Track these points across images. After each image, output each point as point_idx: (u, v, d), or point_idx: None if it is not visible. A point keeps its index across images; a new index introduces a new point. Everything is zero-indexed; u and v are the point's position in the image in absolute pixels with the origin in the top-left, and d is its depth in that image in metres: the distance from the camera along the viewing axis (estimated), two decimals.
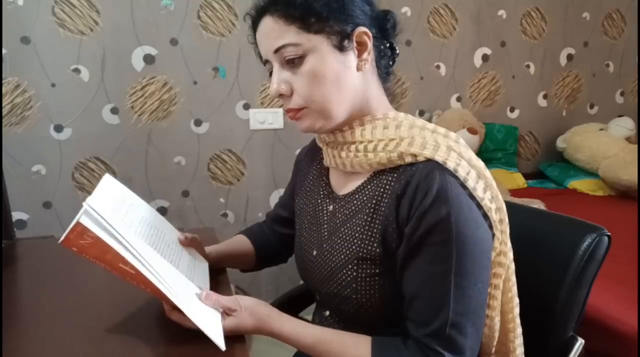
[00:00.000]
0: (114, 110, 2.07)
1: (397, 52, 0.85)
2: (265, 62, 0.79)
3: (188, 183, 2.21)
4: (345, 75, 0.75)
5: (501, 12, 2.59)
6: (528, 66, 2.70)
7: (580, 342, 0.88)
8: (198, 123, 2.18)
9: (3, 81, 1.92)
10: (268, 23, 0.75)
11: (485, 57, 2.61)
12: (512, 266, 0.79)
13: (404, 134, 0.75)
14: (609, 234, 0.86)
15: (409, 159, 0.73)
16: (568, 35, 2.74)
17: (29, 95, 1.97)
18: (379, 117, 0.78)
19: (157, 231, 0.85)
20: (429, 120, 2.51)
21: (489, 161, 2.57)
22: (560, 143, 2.67)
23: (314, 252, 0.86)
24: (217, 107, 2.18)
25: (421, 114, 2.55)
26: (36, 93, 1.97)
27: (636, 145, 2.47)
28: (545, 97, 2.78)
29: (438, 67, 2.53)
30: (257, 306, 0.77)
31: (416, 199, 0.70)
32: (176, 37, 2.09)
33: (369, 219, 0.77)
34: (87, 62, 2.01)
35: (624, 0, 2.80)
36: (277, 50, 0.74)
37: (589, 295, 0.88)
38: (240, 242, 1.07)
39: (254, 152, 2.26)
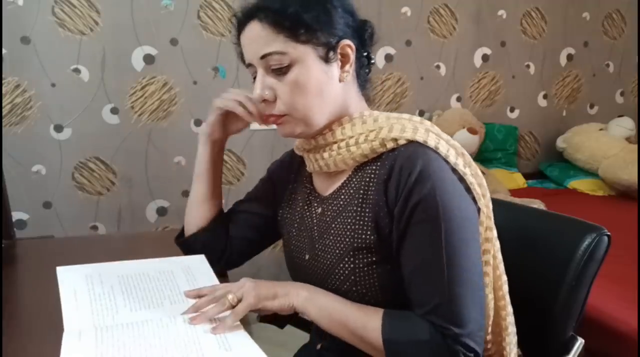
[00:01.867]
0: (114, 110, 2.07)
1: (373, 61, 0.87)
2: (249, 65, 0.80)
3: (188, 183, 2.19)
4: (328, 86, 0.77)
5: (501, 12, 2.59)
6: (528, 66, 2.70)
7: (580, 342, 0.88)
8: (198, 123, 2.18)
9: (3, 81, 1.92)
10: (256, 28, 0.76)
11: (485, 57, 2.61)
12: (497, 244, 0.80)
13: (382, 124, 0.77)
14: (609, 234, 0.86)
15: (390, 145, 0.75)
16: (568, 35, 2.74)
17: (29, 95, 1.97)
18: (355, 116, 0.81)
19: (135, 286, 0.85)
20: (429, 120, 2.51)
21: (489, 161, 2.57)
22: (560, 143, 2.67)
23: (307, 257, 0.87)
24: None
25: (421, 114, 2.55)
26: (36, 93, 1.97)
27: (636, 145, 2.47)
28: (545, 97, 2.78)
29: (438, 67, 2.53)
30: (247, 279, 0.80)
31: (401, 179, 0.72)
32: (176, 37, 2.09)
33: (359, 209, 0.78)
34: (87, 62, 2.01)
35: (624, 0, 2.80)
36: (263, 57, 0.76)
37: (589, 295, 0.88)
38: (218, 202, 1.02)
39: (254, 152, 2.26)
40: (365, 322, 0.74)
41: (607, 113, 2.88)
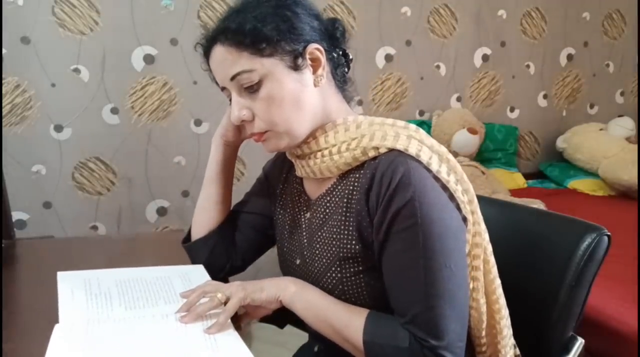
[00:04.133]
0: (114, 110, 2.07)
1: (351, 57, 0.85)
2: (223, 88, 0.80)
3: (188, 183, 2.21)
4: (303, 94, 0.76)
5: (501, 12, 2.59)
6: (528, 66, 2.71)
7: (580, 342, 0.88)
8: (198, 123, 2.18)
9: (3, 81, 1.92)
10: (220, 52, 0.76)
11: (485, 57, 2.61)
12: (489, 248, 0.79)
13: (365, 132, 0.76)
14: (609, 234, 0.86)
15: (372, 154, 0.74)
16: (568, 35, 2.74)
17: (29, 95, 1.97)
18: (339, 122, 0.80)
19: (132, 288, 0.86)
20: (429, 119, 2.52)
21: (489, 161, 2.57)
22: (560, 143, 2.67)
23: (297, 262, 0.87)
24: (217, 107, 2.18)
25: (421, 114, 2.55)
26: (36, 93, 1.97)
27: (636, 145, 2.47)
28: (545, 97, 2.78)
29: (438, 67, 2.53)
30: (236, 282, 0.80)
31: (382, 188, 0.71)
32: (176, 37, 2.09)
33: (343, 218, 0.78)
34: (87, 62, 2.01)
35: (624, 0, 2.80)
36: (232, 78, 0.75)
37: (589, 295, 0.88)
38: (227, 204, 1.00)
39: (254, 152, 2.26)
40: (348, 321, 0.74)
41: (607, 113, 2.88)
